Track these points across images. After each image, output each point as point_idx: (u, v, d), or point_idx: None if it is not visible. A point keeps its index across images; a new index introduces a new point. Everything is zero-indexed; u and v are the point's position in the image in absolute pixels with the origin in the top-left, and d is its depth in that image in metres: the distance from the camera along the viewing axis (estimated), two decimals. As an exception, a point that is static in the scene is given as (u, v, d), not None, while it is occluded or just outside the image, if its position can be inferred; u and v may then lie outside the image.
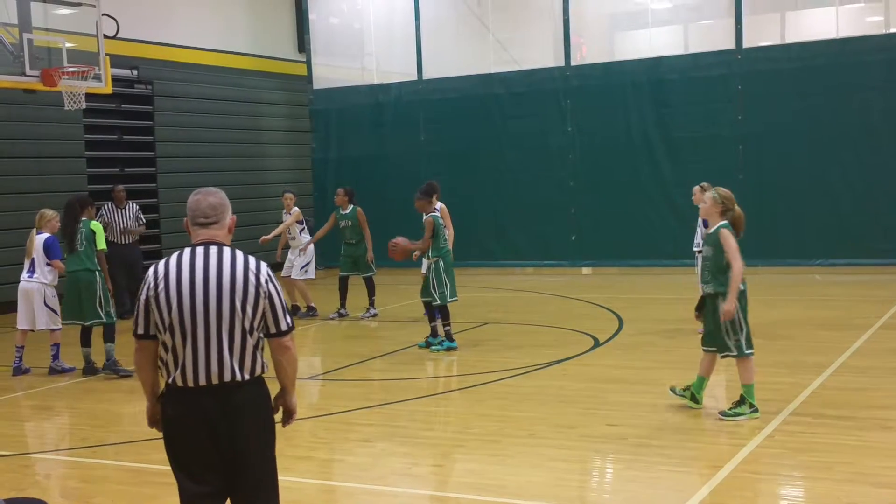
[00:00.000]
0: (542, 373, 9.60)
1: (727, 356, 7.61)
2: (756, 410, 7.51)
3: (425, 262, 11.12)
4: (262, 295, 4.05)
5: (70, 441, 8.11)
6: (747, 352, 7.51)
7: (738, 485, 6.09)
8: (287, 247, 14.22)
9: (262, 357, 4.11)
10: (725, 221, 7.55)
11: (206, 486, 4.07)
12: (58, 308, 10.63)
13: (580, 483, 6.56)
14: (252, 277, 4.04)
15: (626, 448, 7.07)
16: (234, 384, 4.01)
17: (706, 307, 7.72)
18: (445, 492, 6.38)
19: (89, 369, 10.40)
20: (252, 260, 4.12)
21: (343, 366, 10.42)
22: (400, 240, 11.05)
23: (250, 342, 4.05)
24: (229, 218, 4.18)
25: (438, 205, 12.46)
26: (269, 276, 4.11)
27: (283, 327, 4.13)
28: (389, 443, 7.44)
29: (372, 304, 13.79)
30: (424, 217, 10.99)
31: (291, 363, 4.20)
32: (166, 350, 4.04)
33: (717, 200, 7.57)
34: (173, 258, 4.06)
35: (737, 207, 7.56)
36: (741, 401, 7.55)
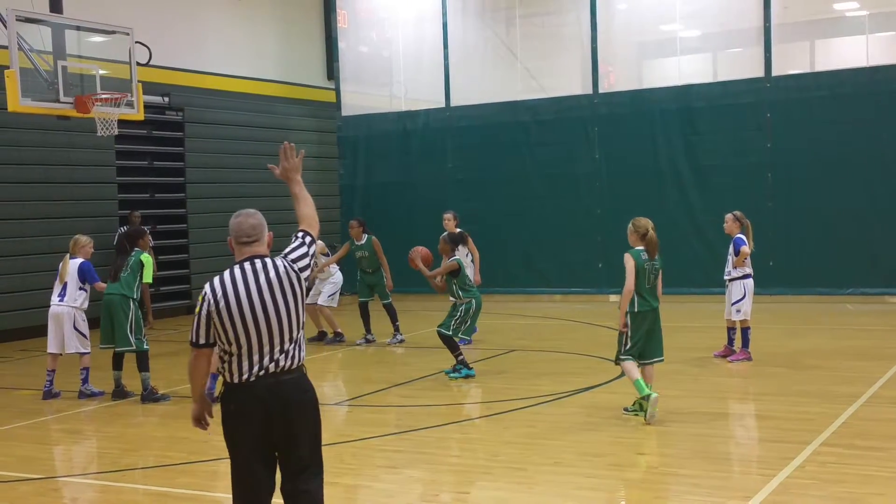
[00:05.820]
0: (570, 400, 9.56)
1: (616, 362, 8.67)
2: (647, 398, 8.34)
3: (457, 301, 11.14)
4: (298, 269, 4.65)
5: (99, 465, 8.13)
6: (620, 358, 8.53)
7: (769, 516, 6.02)
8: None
9: (305, 347, 4.67)
10: (640, 248, 8.45)
11: (261, 479, 4.50)
12: (87, 332, 10.69)
13: (608, 512, 6.51)
14: (287, 264, 4.66)
15: (655, 477, 7.02)
16: (283, 372, 4.51)
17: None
18: (472, 519, 6.35)
19: (119, 392, 10.44)
20: (287, 259, 4.72)
21: (370, 392, 10.41)
22: (422, 249, 11.26)
23: (298, 335, 4.60)
24: (267, 235, 4.75)
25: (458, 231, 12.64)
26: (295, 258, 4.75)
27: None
28: (416, 469, 7.42)
29: (397, 329, 13.80)
30: (448, 260, 11.11)
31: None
32: (230, 355, 4.52)
33: (633, 230, 8.55)
34: (226, 275, 4.58)
35: (651, 233, 8.45)
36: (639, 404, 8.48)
